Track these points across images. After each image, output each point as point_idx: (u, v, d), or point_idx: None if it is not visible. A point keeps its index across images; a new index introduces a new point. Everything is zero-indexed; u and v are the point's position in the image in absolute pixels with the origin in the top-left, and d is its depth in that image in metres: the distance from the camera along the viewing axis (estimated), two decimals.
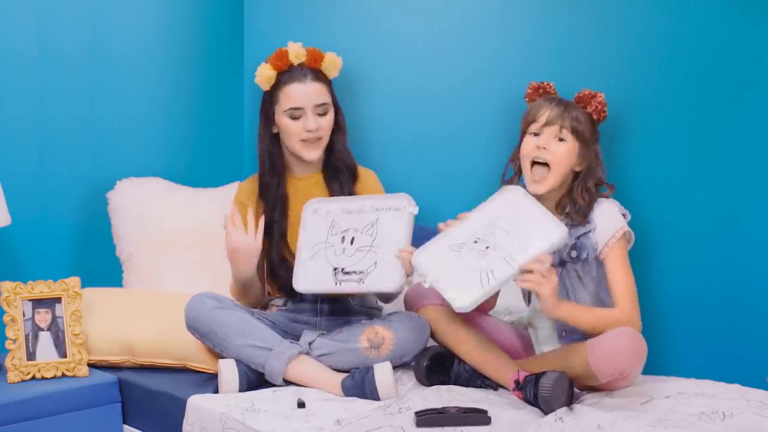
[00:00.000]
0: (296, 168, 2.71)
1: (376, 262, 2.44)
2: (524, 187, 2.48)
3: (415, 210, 2.48)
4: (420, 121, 3.07)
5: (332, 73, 2.69)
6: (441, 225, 2.42)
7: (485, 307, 2.59)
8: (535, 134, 2.46)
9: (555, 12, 2.79)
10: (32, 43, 2.99)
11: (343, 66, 2.74)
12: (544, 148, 2.44)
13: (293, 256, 2.59)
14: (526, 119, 2.50)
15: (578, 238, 2.43)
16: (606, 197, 2.49)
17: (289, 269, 2.59)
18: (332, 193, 2.68)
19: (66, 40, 3.06)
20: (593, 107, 2.48)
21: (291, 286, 2.54)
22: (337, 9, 3.22)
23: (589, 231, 2.43)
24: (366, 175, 2.73)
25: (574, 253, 2.44)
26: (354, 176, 2.71)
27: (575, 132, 2.44)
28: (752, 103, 2.47)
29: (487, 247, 2.30)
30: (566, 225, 2.40)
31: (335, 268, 2.47)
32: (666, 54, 2.59)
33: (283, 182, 2.69)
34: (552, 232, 2.27)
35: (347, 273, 2.45)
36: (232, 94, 3.43)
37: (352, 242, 2.48)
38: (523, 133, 2.51)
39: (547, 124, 2.45)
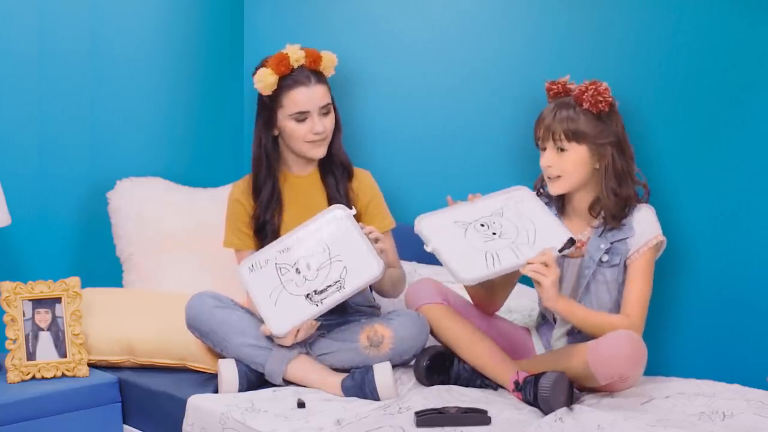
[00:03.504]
0: (295, 167, 2.72)
1: (345, 267, 2.41)
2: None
3: (353, 211, 2.48)
4: (420, 121, 3.08)
5: (330, 71, 2.70)
6: (449, 198, 2.45)
7: (491, 308, 2.59)
8: (544, 149, 2.42)
9: (555, 12, 2.78)
10: (32, 43, 2.99)
11: (343, 66, 2.74)
12: (549, 166, 2.39)
13: None
14: (534, 132, 2.44)
15: (613, 243, 2.39)
16: (645, 203, 2.43)
17: None
18: (328, 189, 2.68)
19: (66, 40, 3.06)
20: (588, 102, 2.36)
21: None
22: (336, 9, 3.22)
23: (627, 237, 2.38)
24: (362, 175, 2.74)
25: (605, 258, 2.39)
26: (349, 173, 2.71)
27: (572, 136, 2.37)
28: (752, 103, 2.47)
29: (494, 234, 2.37)
30: (602, 229, 2.40)
31: (307, 295, 2.41)
32: (666, 54, 2.59)
33: (278, 182, 2.69)
34: (558, 236, 2.32)
35: (321, 291, 2.41)
36: (231, 94, 3.43)
37: (308, 267, 2.44)
38: (536, 145, 2.46)
39: (545, 138, 2.40)
